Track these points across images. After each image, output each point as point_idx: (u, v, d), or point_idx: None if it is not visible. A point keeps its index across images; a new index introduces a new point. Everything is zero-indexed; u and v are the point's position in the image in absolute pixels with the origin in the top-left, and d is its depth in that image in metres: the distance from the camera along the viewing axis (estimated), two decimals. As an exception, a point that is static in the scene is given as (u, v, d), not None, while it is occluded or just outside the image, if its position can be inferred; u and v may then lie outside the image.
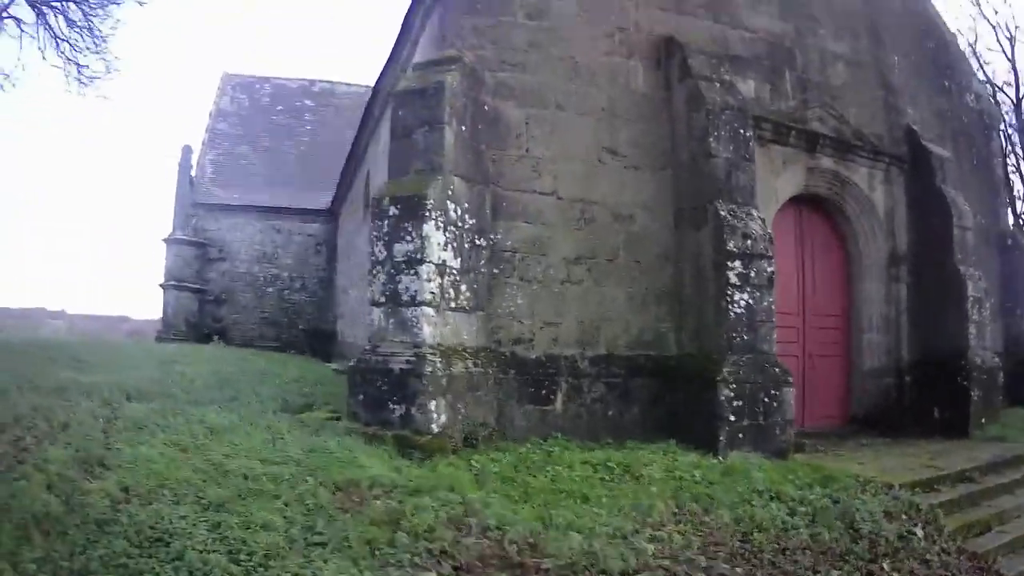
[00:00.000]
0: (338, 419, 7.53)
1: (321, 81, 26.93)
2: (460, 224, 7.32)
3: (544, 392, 7.80)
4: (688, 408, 7.83)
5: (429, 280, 6.88)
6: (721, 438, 7.40)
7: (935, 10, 12.02)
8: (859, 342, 10.00)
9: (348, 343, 17.29)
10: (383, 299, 7.02)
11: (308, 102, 26.08)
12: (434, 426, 6.60)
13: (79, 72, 13.85)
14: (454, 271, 7.19)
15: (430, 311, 6.88)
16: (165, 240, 21.93)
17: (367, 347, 7.13)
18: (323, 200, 22.62)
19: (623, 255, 8.39)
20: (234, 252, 22.57)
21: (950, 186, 10.03)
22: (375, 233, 7.15)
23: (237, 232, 22.51)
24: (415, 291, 6.86)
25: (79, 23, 13.53)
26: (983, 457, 8.01)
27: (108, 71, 15.61)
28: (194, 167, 22.68)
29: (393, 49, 10.70)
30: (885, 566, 5.34)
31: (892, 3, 11.06)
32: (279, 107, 25.56)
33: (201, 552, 3.97)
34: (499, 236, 7.83)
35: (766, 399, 7.72)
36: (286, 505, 4.85)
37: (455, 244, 7.23)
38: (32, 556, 3.79)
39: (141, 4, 14.50)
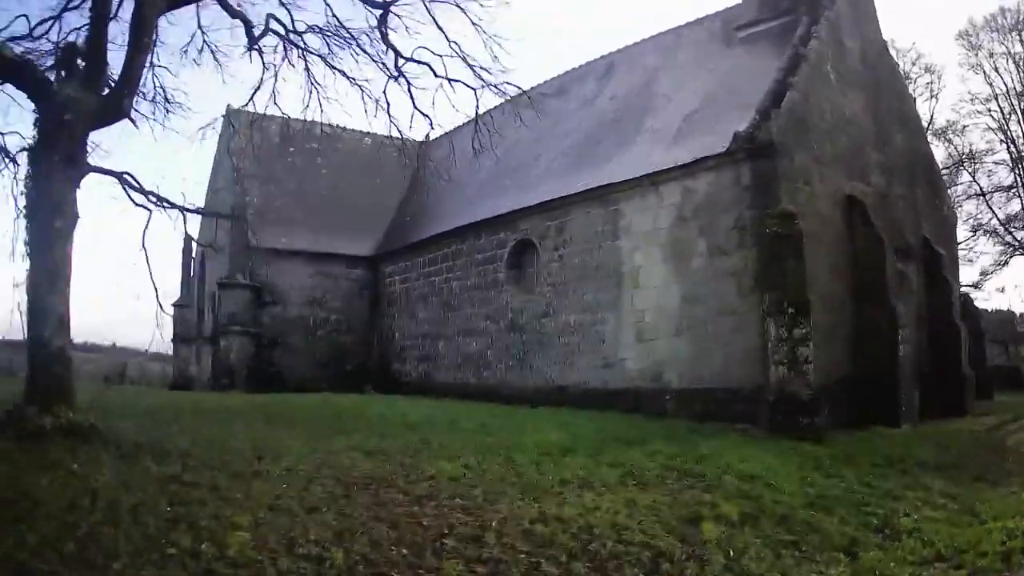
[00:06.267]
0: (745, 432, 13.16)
1: (322, 124, 27.72)
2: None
3: (820, 403, 13.66)
4: (878, 404, 14.46)
5: (810, 348, 12.96)
6: (900, 416, 14.29)
7: (931, 150, 20.07)
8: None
9: (439, 382, 22.50)
10: (786, 360, 12.97)
11: (315, 144, 26.79)
12: (823, 425, 12.74)
13: None
14: (810, 342, 13.28)
15: (812, 366, 12.96)
16: (221, 283, 23.52)
17: (775, 387, 13.00)
18: (358, 245, 25.65)
19: (832, 324, 14.74)
20: (285, 296, 24.48)
21: (947, 273, 17.89)
22: (775, 321, 13.06)
23: (288, 277, 24.39)
24: (807, 355, 12.93)
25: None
26: (994, 420, 15.79)
27: None
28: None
29: (669, 170, 15.88)
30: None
31: (916, 152, 18.70)
32: (291, 148, 26.14)
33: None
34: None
35: (908, 397, 14.83)
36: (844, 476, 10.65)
37: (808, 327, 13.33)
38: None
39: None
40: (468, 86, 12.67)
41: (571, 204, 18.42)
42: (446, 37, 12.22)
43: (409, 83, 12.89)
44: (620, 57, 22.64)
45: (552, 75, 24.94)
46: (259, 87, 13.20)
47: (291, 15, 12.56)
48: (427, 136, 29.97)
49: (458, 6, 11.97)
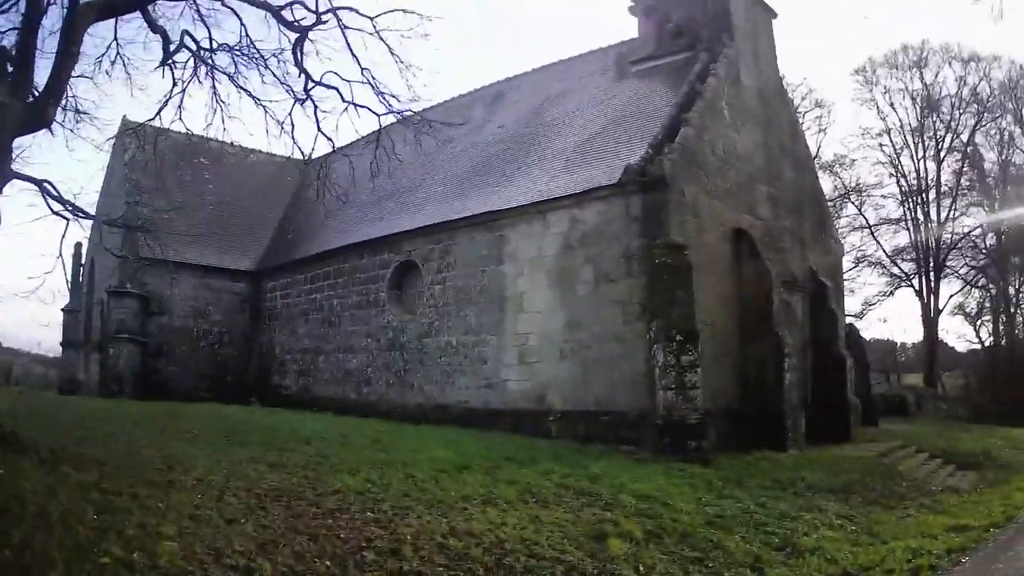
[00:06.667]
0: (632, 455, 13.14)
1: (210, 140, 27.37)
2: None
3: (708, 427, 13.77)
4: (764, 429, 14.78)
5: (698, 375, 13.09)
6: (787, 441, 14.73)
7: (819, 184, 21.27)
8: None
9: (318, 396, 21.95)
10: (674, 386, 13.15)
11: (205, 159, 26.20)
12: (710, 449, 12.93)
13: None
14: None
15: (700, 392, 13.09)
16: (112, 291, 23.01)
17: (663, 412, 13.11)
18: (242, 260, 25.63)
19: (719, 353, 15.12)
20: (171, 307, 24.21)
21: (832, 303, 18.65)
22: (664, 348, 13.27)
23: (175, 288, 23.80)
24: (695, 381, 13.19)
25: None
26: (882, 447, 16.34)
27: None
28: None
29: (557, 198, 16.00)
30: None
31: (804, 186, 19.58)
32: (181, 161, 25.36)
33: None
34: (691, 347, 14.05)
35: (794, 423, 15.21)
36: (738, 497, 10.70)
37: (696, 354, 13.50)
38: None
39: None
40: (374, 112, 12.52)
41: (456, 228, 18.35)
42: (359, 63, 12.07)
43: (316, 106, 12.68)
44: (508, 85, 22.99)
45: (439, 100, 24.82)
46: (166, 102, 12.80)
47: (209, 31, 12.31)
48: (310, 155, 28.86)
49: (378, 35, 11.78)
